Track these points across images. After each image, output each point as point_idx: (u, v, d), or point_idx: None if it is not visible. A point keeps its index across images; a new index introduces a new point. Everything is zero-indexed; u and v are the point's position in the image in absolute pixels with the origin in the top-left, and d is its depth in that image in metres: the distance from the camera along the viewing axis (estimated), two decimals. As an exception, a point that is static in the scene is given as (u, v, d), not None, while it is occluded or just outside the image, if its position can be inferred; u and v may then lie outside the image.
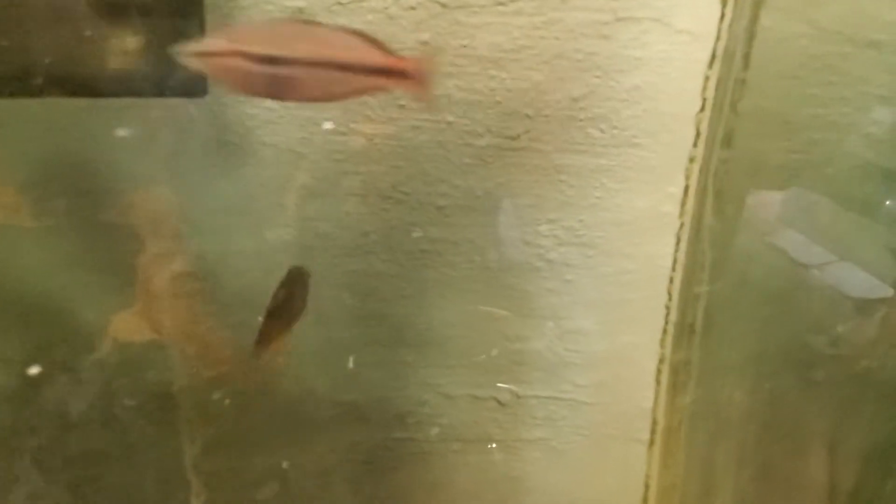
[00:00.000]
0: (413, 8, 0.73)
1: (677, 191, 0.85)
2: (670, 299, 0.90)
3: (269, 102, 0.74)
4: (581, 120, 0.79)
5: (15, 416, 0.79)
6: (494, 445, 0.94)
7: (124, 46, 0.58)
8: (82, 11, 0.56)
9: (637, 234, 0.87)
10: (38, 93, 0.57)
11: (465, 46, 0.75)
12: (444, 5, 0.73)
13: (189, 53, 0.52)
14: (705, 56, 0.79)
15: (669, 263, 0.88)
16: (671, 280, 0.89)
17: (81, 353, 0.79)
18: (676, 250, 0.87)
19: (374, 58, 0.57)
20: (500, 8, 0.74)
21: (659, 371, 0.93)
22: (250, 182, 0.78)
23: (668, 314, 0.90)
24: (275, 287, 0.74)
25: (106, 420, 0.83)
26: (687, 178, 0.84)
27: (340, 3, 0.71)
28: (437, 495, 0.96)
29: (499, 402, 0.93)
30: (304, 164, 0.78)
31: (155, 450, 0.85)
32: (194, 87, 0.58)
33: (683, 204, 0.85)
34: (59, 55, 0.57)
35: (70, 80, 0.58)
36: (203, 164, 0.76)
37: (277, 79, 0.55)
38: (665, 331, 0.91)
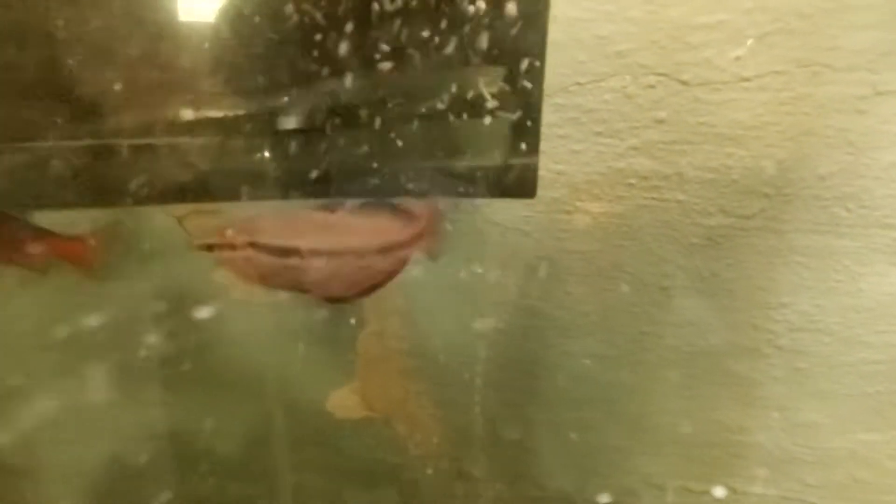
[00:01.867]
0: (652, 86, 0.70)
1: (931, 275, 0.77)
2: (919, 394, 0.81)
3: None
4: (826, 199, 0.74)
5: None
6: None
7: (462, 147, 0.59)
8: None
9: (881, 322, 0.79)
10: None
11: (702, 124, 0.72)
12: (684, 83, 0.70)
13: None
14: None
15: (920, 354, 0.80)
16: (920, 373, 0.80)
17: (302, 426, 0.80)
18: (930, 341, 0.78)
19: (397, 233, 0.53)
20: (745, 84, 0.70)
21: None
22: (479, 261, 0.77)
23: (917, 411, 0.81)
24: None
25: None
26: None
27: (579, 84, 0.70)
28: None
29: (714, 498, 0.86)
30: (527, 243, 0.77)
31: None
32: (525, 188, 0.58)
33: (938, 289, 0.77)
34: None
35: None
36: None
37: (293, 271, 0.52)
38: (912, 429, 0.82)
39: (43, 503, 0.78)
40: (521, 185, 0.58)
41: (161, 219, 0.66)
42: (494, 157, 0.58)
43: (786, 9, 0.67)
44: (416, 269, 0.77)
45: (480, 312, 0.79)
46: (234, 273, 0.58)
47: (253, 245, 0.54)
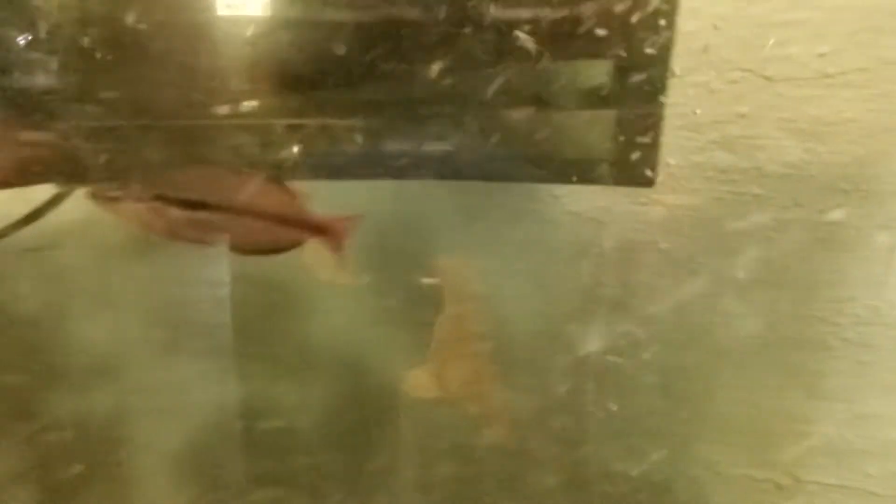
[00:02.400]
0: (735, 82, 0.72)
1: None
2: None
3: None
4: (904, 195, 0.75)
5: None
6: None
7: (585, 136, 0.61)
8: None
9: (951, 317, 0.80)
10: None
11: (783, 119, 0.73)
12: (768, 78, 0.72)
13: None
14: None
15: None
16: None
17: (381, 406, 0.83)
18: None
19: (299, 214, 0.55)
20: (828, 80, 0.71)
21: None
22: (549, 249, 0.79)
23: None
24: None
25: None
26: None
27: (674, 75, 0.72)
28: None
29: (777, 486, 0.88)
30: (603, 233, 0.79)
31: None
32: (643, 177, 0.60)
33: None
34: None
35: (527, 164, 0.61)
36: (508, 230, 0.78)
37: (201, 224, 0.54)
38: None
39: (138, 474, 0.81)
40: (640, 174, 0.59)
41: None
42: (615, 147, 0.60)
43: (873, 7, 0.68)
44: (492, 257, 0.80)
45: (554, 300, 0.81)
46: (139, 226, 0.61)
47: (161, 198, 0.57)
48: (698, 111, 0.72)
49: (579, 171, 0.59)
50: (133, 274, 0.75)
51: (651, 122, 0.58)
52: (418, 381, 0.83)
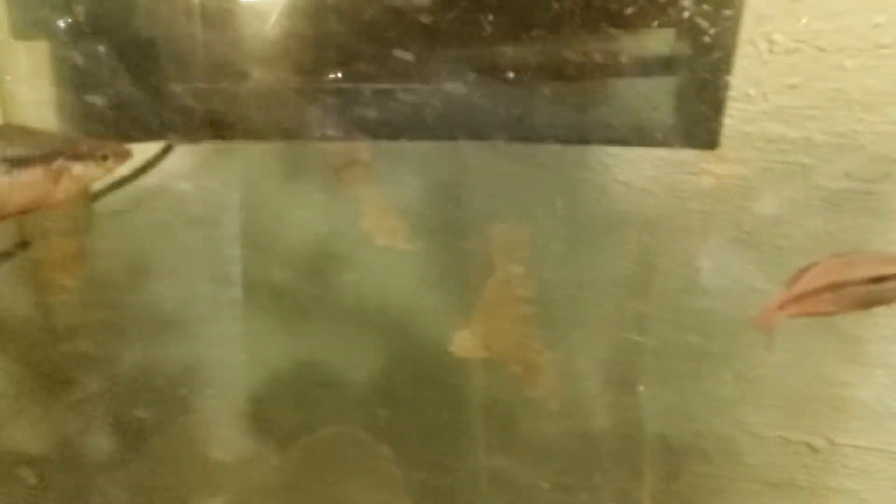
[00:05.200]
0: (789, 52, 0.72)
1: None
2: None
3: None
4: (954, 166, 0.75)
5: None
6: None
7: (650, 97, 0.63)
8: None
9: None
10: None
11: (835, 90, 0.74)
12: (821, 49, 0.72)
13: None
14: None
15: None
16: None
17: (429, 364, 0.86)
18: None
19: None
20: (882, 51, 0.71)
21: None
22: (598, 217, 0.81)
23: None
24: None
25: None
26: None
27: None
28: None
29: (811, 447, 0.91)
30: (651, 202, 0.80)
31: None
32: (708, 138, 0.62)
33: None
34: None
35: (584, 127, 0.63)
36: (559, 198, 0.80)
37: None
38: None
39: (204, 430, 0.87)
40: (703, 136, 0.61)
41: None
42: (680, 110, 0.61)
43: (933, -23, 0.68)
44: (543, 222, 0.82)
45: (600, 265, 0.83)
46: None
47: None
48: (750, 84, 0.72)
49: (645, 134, 0.61)
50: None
51: (718, 86, 0.59)
52: (465, 342, 0.86)
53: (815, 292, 0.59)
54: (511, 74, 0.58)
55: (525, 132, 0.61)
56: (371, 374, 0.89)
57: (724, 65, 0.59)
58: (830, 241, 0.81)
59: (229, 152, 0.74)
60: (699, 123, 0.58)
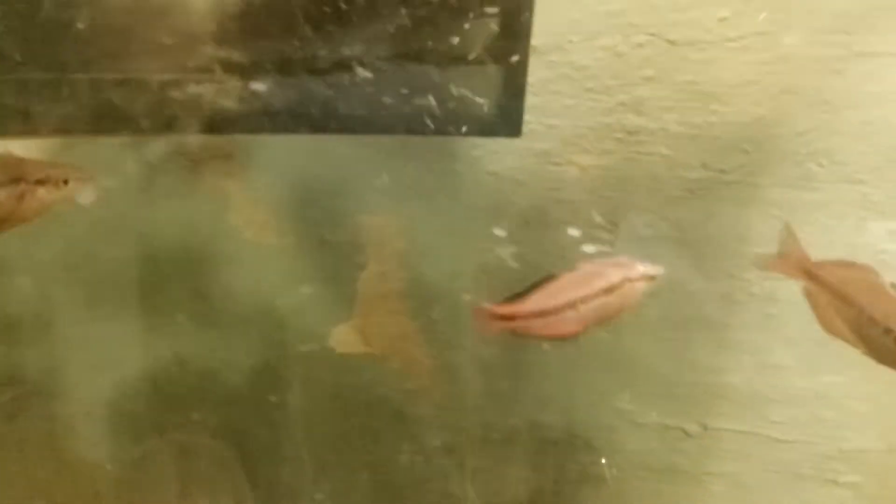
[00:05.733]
0: (641, 45, 0.74)
1: (898, 228, 0.82)
2: (880, 340, 0.87)
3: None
4: (802, 155, 0.78)
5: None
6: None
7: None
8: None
9: (849, 272, 0.84)
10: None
11: (688, 82, 0.76)
12: (672, 42, 0.74)
13: None
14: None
15: (883, 303, 0.85)
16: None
17: (306, 360, 0.85)
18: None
19: None
20: (729, 44, 0.74)
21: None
22: (470, 208, 0.82)
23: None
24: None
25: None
26: (910, 214, 0.81)
27: (572, 42, 0.74)
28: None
29: (686, 433, 0.93)
30: (522, 192, 0.81)
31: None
32: (510, 128, 0.63)
33: (903, 242, 0.82)
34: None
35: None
36: (430, 191, 0.81)
37: None
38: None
39: (68, 425, 0.84)
40: (506, 125, 0.62)
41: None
42: (482, 98, 0.62)
43: (770, -28, 0.71)
44: (417, 213, 0.82)
45: (475, 255, 0.84)
46: None
47: None
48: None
49: (452, 122, 0.62)
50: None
51: (517, 76, 0.61)
52: (343, 337, 0.86)
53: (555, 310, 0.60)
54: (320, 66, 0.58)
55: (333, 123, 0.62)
56: (250, 374, 0.87)
57: (520, 59, 0.60)
58: (694, 230, 0.83)
59: (76, 145, 0.71)
60: (503, 112, 0.59)
